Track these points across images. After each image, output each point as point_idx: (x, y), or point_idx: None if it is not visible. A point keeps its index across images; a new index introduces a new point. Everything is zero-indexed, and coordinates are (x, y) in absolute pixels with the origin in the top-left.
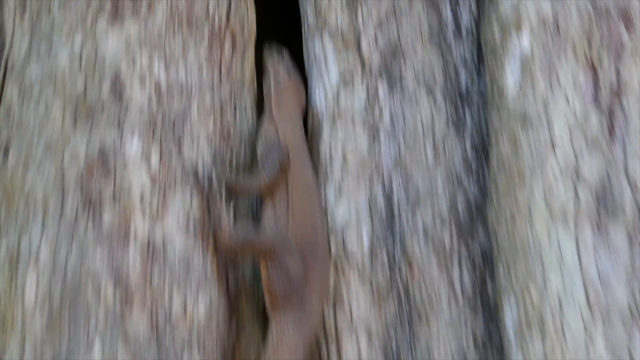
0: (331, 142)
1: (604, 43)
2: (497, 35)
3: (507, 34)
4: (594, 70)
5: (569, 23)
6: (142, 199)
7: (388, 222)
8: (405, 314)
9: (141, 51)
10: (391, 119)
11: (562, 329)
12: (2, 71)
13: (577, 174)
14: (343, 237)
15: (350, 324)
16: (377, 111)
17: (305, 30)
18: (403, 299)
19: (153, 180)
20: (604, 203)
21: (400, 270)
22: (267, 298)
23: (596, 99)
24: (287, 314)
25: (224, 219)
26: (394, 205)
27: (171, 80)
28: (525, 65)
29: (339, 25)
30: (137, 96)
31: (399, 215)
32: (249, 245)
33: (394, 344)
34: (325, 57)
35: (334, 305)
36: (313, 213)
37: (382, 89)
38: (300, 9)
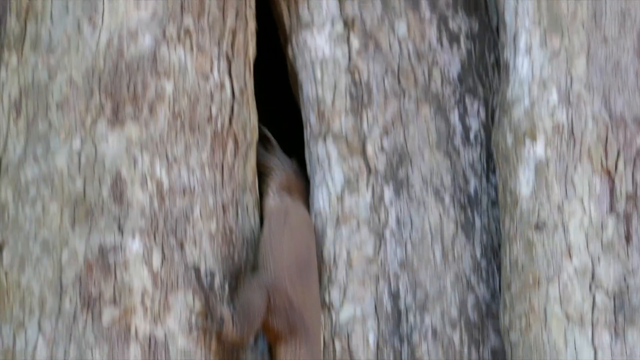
0: (335, 243)
1: (619, 150)
2: (509, 141)
3: (521, 140)
4: (609, 176)
5: (584, 130)
6: (143, 299)
7: (395, 323)
8: None
9: (142, 153)
10: (397, 221)
11: None
12: None
13: (593, 279)
14: (348, 339)
15: None
16: (382, 214)
17: (307, 133)
18: None
19: (155, 280)
20: (622, 308)
21: None
22: (271, 336)
23: (612, 204)
24: (295, 340)
25: (226, 317)
26: (401, 306)
27: (173, 181)
28: (540, 172)
29: (344, 130)
30: (139, 197)
31: (407, 316)
32: (257, 323)
33: None
34: (329, 161)
35: None
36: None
37: (388, 192)
38: (302, 113)
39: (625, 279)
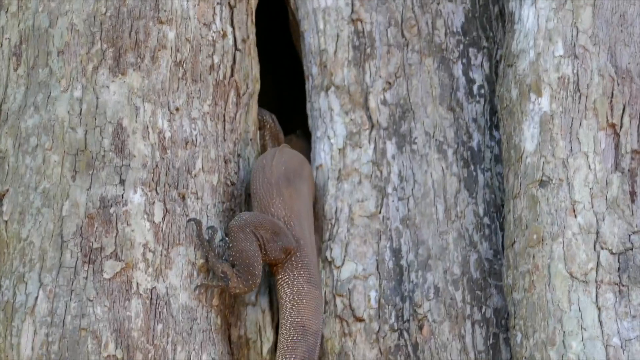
0: (337, 199)
1: (625, 105)
2: (514, 95)
3: (525, 93)
4: (615, 131)
5: (590, 84)
6: (144, 253)
7: (397, 281)
8: None
9: (144, 103)
10: (400, 176)
11: None
12: None
13: (598, 237)
14: (350, 296)
15: None
16: (385, 169)
17: (309, 85)
18: (412, 359)
19: (156, 234)
20: (626, 267)
21: (409, 329)
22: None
23: (617, 161)
24: (292, 261)
25: (229, 273)
26: (403, 264)
27: (175, 132)
28: (545, 126)
29: (346, 82)
30: (140, 148)
31: (408, 274)
32: (258, 269)
33: None
34: (331, 114)
35: None
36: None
37: (391, 147)
38: (304, 64)
39: (629, 238)
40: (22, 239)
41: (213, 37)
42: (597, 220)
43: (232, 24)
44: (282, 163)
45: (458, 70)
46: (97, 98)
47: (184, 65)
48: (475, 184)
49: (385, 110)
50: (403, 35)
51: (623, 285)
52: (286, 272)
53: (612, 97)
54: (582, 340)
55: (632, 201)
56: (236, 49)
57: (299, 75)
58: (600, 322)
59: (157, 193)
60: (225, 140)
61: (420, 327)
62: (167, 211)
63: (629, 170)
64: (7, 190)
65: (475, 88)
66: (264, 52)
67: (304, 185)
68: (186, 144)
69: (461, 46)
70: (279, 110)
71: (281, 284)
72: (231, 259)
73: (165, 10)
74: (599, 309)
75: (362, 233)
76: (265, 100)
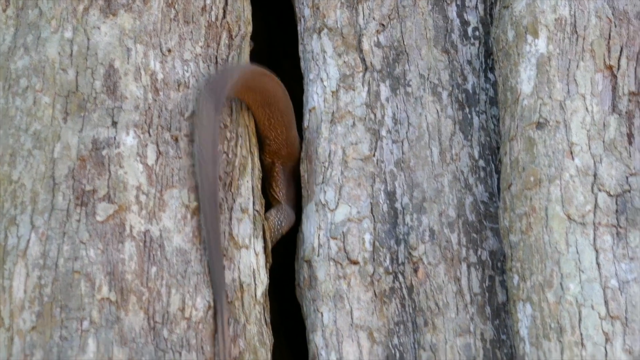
0: (330, 142)
1: (622, 46)
2: (510, 37)
3: (522, 35)
4: (612, 73)
5: (587, 25)
6: (137, 195)
7: (391, 224)
8: (409, 317)
9: (136, 44)
10: (394, 119)
11: (582, 339)
12: None
13: (595, 179)
14: (344, 239)
15: (350, 327)
16: (379, 111)
17: (301, 28)
18: (407, 302)
19: (149, 176)
20: (624, 209)
21: (404, 273)
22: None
23: (614, 103)
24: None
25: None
26: (398, 207)
27: (167, 74)
28: (541, 68)
29: (339, 24)
30: (132, 90)
31: (403, 217)
32: None
33: (397, 348)
34: (323, 56)
35: (335, 307)
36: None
37: (385, 89)
38: (296, 6)
39: (627, 180)
40: (13, 181)
41: None
42: (594, 163)
43: None
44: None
45: (452, 12)
46: (88, 39)
47: (176, 6)
48: (470, 127)
49: (379, 53)
50: None
51: (621, 228)
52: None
53: (609, 38)
54: (580, 283)
55: (630, 143)
56: None
57: (290, 17)
58: (598, 264)
59: (149, 135)
60: None
61: (415, 270)
62: (160, 153)
63: (626, 112)
64: None
65: (469, 30)
66: None
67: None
68: (179, 85)
69: None
70: (270, 53)
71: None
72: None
73: None
74: (596, 251)
75: (356, 176)
76: (256, 43)
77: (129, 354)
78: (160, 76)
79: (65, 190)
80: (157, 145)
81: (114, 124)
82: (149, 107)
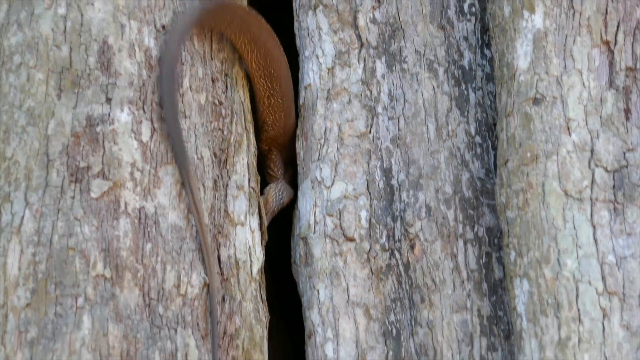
0: (326, 118)
1: (619, 21)
2: (506, 12)
3: (518, 10)
4: (609, 48)
5: (584, 1)
6: (132, 172)
7: (387, 201)
8: (406, 294)
9: (130, 20)
10: (390, 96)
11: (579, 315)
12: None
13: (592, 154)
14: (340, 216)
15: (347, 304)
16: (375, 88)
17: (296, 4)
18: (404, 279)
19: (144, 153)
20: (621, 185)
21: (400, 249)
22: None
23: (611, 78)
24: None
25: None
26: (394, 184)
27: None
28: (538, 43)
29: (334, 1)
30: (127, 66)
31: (400, 193)
32: None
33: (393, 325)
34: (319, 33)
35: (331, 285)
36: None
37: (381, 66)
38: None
39: (624, 155)
40: (7, 157)
41: None
42: (591, 138)
43: None
44: None
45: None
46: (82, 15)
47: None
48: (466, 103)
49: (375, 29)
50: None
51: (618, 203)
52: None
53: (606, 13)
54: (577, 258)
55: (627, 119)
56: None
57: None
58: (595, 240)
59: (144, 112)
60: (212, 59)
61: (412, 247)
62: (154, 130)
63: (623, 87)
64: None
65: (465, 6)
66: None
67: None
68: None
69: None
70: None
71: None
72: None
73: None
74: (593, 226)
75: (352, 153)
76: None
77: (124, 330)
78: (154, 52)
79: (60, 167)
80: (152, 122)
81: (108, 100)
82: (144, 84)
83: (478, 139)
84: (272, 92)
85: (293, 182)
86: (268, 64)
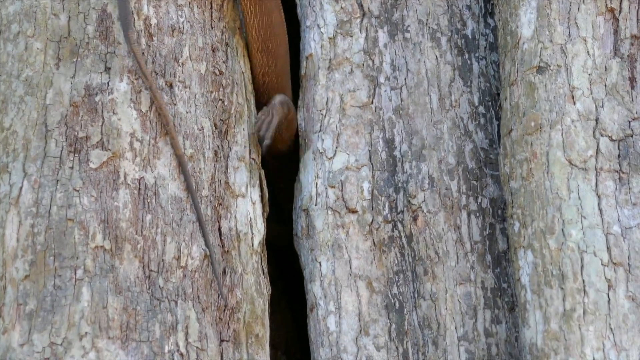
0: (328, 89)
1: None
2: None
3: None
4: (614, 16)
5: None
6: (131, 142)
7: (390, 172)
8: (409, 266)
9: None
10: (392, 66)
11: (584, 286)
12: None
13: (597, 123)
14: (342, 187)
15: (349, 276)
16: (377, 58)
17: None
18: (407, 251)
19: (143, 123)
20: (626, 154)
21: (403, 221)
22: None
23: (616, 46)
24: None
25: None
26: (397, 154)
27: (161, 19)
28: (542, 12)
29: None
30: None
31: (402, 164)
32: None
33: (396, 297)
34: (320, 2)
35: (333, 257)
36: None
37: (383, 35)
38: None
39: (629, 124)
40: (5, 128)
41: None
42: (596, 107)
43: None
44: None
45: None
46: None
47: None
48: (469, 73)
49: None
50: None
51: (623, 173)
52: None
53: None
54: (582, 229)
55: (632, 87)
56: None
57: None
58: (600, 210)
59: (143, 81)
60: (212, 28)
61: (415, 218)
62: (153, 99)
63: (628, 56)
64: None
65: None
66: None
67: None
68: (173, 31)
69: None
70: None
71: None
72: None
73: None
74: (598, 196)
75: (354, 123)
76: None
77: (124, 302)
78: (154, 21)
79: (58, 137)
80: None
81: (107, 69)
82: (143, 53)
83: (481, 109)
84: (267, 69)
85: (287, 187)
86: (268, 37)
